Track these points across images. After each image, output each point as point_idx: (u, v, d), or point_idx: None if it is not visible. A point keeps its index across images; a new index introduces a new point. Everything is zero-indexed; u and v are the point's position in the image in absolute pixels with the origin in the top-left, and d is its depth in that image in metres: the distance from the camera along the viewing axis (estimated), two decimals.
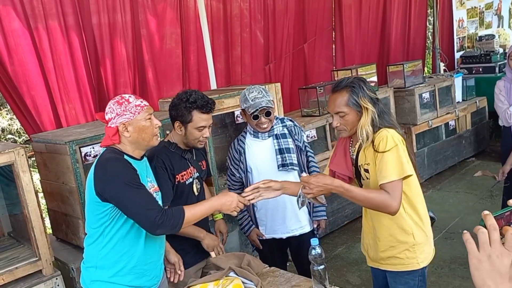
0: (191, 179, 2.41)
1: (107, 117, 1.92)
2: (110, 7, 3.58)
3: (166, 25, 3.94)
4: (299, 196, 2.05)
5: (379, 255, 2.13)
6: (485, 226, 0.97)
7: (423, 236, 2.08)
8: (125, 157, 1.92)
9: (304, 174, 1.99)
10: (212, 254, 2.39)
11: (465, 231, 1.00)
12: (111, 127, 1.91)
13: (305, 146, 2.76)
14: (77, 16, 3.42)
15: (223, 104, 3.31)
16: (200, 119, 2.27)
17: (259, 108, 2.50)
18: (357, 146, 2.06)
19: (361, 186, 2.10)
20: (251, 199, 2.11)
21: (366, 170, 2.01)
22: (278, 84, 3.69)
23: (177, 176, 2.33)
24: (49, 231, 3.23)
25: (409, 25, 6.36)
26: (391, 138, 1.92)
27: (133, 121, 1.91)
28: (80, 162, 2.55)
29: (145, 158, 2.08)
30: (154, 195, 2.01)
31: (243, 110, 2.62)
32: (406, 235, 2.04)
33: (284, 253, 2.89)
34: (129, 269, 1.95)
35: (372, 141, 1.96)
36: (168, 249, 2.26)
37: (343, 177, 2.07)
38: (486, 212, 0.99)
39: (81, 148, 2.56)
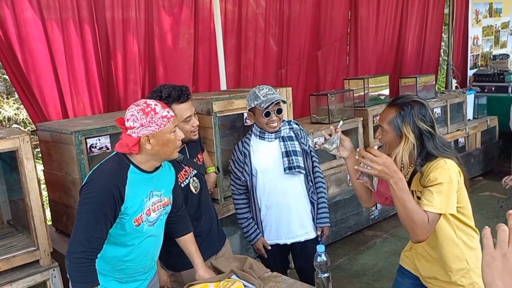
0: (186, 181, 2.33)
1: (128, 124, 1.75)
2: (124, 3, 3.56)
3: (180, 24, 3.92)
4: (333, 143, 2.00)
5: (436, 274, 2.02)
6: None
7: (477, 260, 1.97)
8: (131, 169, 1.79)
9: (376, 147, 1.80)
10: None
11: (486, 227, 0.99)
12: (131, 136, 1.75)
13: (311, 151, 2.71)
14: (91, 10, 3.41)
15: (233, 105, 3.27)
16: (182, 110, 2.16)
17: (274, 101, 2.44)
18: (410, 170, 1.96)
19: None
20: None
21: (419, 198, 1.88)
22: (290, 89, 3.65)
23: None
24: (49, 222, 3.19)
25: (424, 40, 6.32)
26: (445, 171, 1.78)
27: (157, 133, 1.76)
28: (85, 153, 2.51)
29: (161, 169, 1.95)
30: (161, 210, 1.93)
31: (251, 110, 2.56)
32: (459, 261, 1.94)
33: (286, 259, 2.82)
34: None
35: (421, 173, 1.84)
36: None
37: (391, 200, 1.95)
38: (511, 211, 0.97)
39: (87, 139, 2.52)
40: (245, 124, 3.51)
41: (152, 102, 1.79)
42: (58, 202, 2.83)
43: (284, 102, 2.53)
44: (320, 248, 1.90)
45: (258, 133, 2.60)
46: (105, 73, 3.57)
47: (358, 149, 1.84)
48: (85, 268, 1.68)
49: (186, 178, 2.34)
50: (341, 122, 2.14)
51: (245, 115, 3.45)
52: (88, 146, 2.52)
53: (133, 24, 3.63)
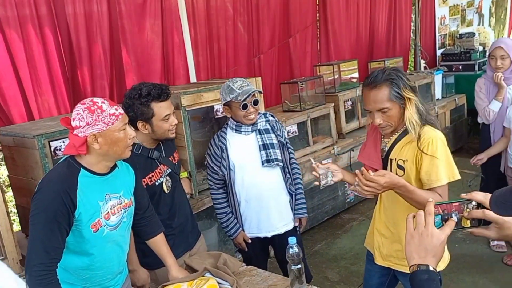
0: (160, 179, 2.31)
1: (74, 124, 1.69)
2: None
3: (145, 16, 3.82)
4: (326, 176, 2.01)
5: (394, 253, 2.07)
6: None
7: None
8: (82, 172, 1.74)
9: (371, 172, 1.82)
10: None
11: (410, 214, 1.24)
12: (77, 136, 1.69)
13: (287, 142, 2.70)
14: (50, 6, 3.29)
15: (202, 98, 3.23)
16: (162, 109, 2.16)
17: (251, 93, 2.42)
18: (392, 139, 1.99)
19: None
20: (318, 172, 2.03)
21: (400, 167, 1.94)
22: (259, 78, 3.62)
23: (144, 179, 2.22)
24: (18, 228, 3.12)
25: (394, 22, 6.34)
26: (440, 141, 1.88)
27: (105, 132, 1.70)
28: (49, 156, 2.44)
29: (118, 170, 1.90)
30: (122, 212, 1.88)
31: (227, 104, 2.51)
32: None
33: (266, 251, 2.84)
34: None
35: (419, 136, 1.89)
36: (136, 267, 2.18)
37: (370, 170, 1.98)
38: (430, 199, 1.22)
39: (51, 142, 2.44)
40: (216, 116, 3.48)
41: (99, 99, 1.73)
42: (26, 208, 2.75)
43: (260, 92, 2.51)
44: (292, 240, 1.91)
45: (234, 127, 2.57)
46: (69, 71, 3.47)
47: (356, 172, 1.85)
48: (47, 280, 1.64)
49: (160, 177, 2.31)
50: (312, 160, 2.16)
51: (215, 107, 3.42)
52: (52, 149, 2.45)
53: (95, 18, 3.53)
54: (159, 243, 2.12)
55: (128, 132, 1.79)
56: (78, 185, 1.72)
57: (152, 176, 2.27)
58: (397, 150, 1.96)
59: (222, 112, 3.45)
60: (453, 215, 1.23)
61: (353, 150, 4.65)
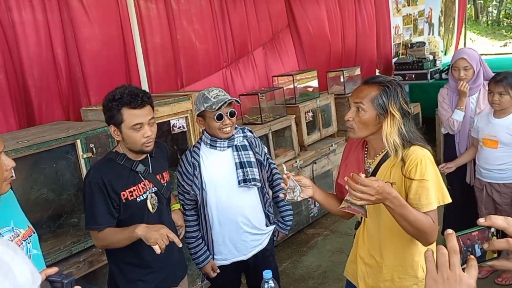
0: (144, 195, 2.06)
1: None
2: (34, 3, 3.13)
3: (99, 25, 3.53)
4: (294, 190, 1.80)
5: (381, 284, 1.89)
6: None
7: None
8: None
9: (362, 175, 1.60)
10: (156, 248, 1.84)
11: (428, 248, 1.01)
12: None
13: (267, 159, 2.50)
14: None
15: (158, 112, 2.96)
16: (132, 116, 1.93)
17: (227, 100, 2.22)
18: (377, 159, 1.83)
19: None
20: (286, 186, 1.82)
21: None
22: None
23: (123, 193, 1.99)
24: None
25: (357, 31, 6.37)
26: (429, 161, 1.72)
27: None
28: None
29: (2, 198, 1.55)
30: (24, 244, 1.58)
31: (200, 115, 2.30)
32: (416, 267, 1.83)
33: (238, 279, 2.61)
34: None
35: (402, 160, 1.73)
36: None
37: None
38: (450, 231, 0.97)
39: None
40: (172, 131, 3.23)
41: None
42: None
43: (237, 102, 2.33)
44: (267, 274, 1.71)
45: (208, 141, 2.34)
46: (21, 85, 3.11)
47: (346, 179, 1.63)
48: None
49: (144, 193, 2.07)
50: (284, 166, 1.96)
51: (172, 122, 3.17)
52: None
53: (44, 26, 3.20)
54: None
55: (4, 163, 1.44)
56: None
57: (134, 190, 2.04)
58: (384, 172, 1.80)
59: (179, 128, 3.21)
60: (476, 247, 1.02)
61: (315, 163, 4.52)
